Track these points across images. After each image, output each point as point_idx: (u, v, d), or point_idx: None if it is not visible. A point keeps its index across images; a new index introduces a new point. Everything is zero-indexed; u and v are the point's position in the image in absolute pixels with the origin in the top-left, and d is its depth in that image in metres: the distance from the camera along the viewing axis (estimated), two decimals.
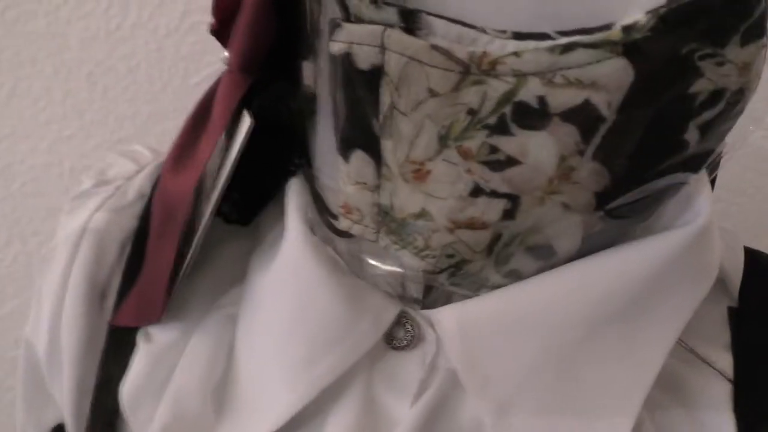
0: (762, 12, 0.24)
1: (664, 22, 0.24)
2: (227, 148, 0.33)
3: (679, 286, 0.29)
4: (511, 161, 0.27)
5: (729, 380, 0.31)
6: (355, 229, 0.31)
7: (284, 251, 0.33)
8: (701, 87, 0.25)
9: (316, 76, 0.30)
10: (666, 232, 0.29)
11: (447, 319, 0.31)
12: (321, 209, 0.33)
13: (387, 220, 0.30)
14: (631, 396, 0.29)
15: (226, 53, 0.31)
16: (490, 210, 0.28)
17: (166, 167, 0.35)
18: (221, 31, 0.31)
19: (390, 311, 0.32)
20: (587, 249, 0.29)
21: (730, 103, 0.26)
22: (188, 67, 0.66)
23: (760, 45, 0.24)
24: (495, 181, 0.28)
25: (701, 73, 0.25)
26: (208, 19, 0.32)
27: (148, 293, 0.33)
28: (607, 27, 0.25)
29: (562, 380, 0.29)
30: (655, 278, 0.29)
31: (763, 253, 0.35)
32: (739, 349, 0.32)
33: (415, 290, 0.33)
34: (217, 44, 0.32)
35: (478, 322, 0.30)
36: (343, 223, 0.32)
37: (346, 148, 0.29)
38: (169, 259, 0.33)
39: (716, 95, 0.25)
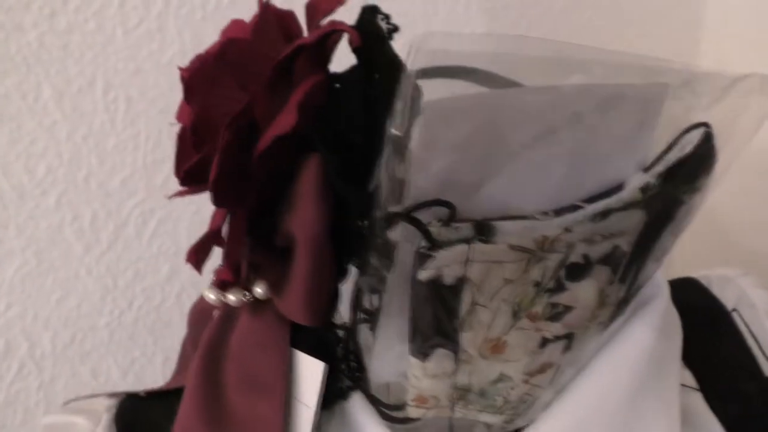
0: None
1: (665, 179, 0.31)
2: None
3: (671, 341, 0.38)
4: (567, 309, 0.32)
5: (697, 389, 0.41)
6: (429, 414, 0.33)
7: None
8: (683, 210, 0.33)
9: (380, 303, 0.31)
10: (643, 313, 0.37)
11: None
12: (374, 404, 0.34)
13: (464, 395, 0.33)
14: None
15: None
16: (555, 352, 0.33)
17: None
18: None
19: None
20: None
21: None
22: None
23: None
24: (556, 328, 0.33)
25: (684, 202, 0.33)
26: None
27: None
28: (618, 188, 0.31)
29: None
30: (660, 340, 0.36)
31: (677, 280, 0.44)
32: (691, 362, 0.41)
33: None
34: None
35: None
36: (415, 413, 0.34)
37: (425, 349, 0.31)
38: None
39: (689, 211, 0.34)
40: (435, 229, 0.29)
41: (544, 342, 0.33)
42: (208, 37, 0.52)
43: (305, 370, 0.31)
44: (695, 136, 0.32)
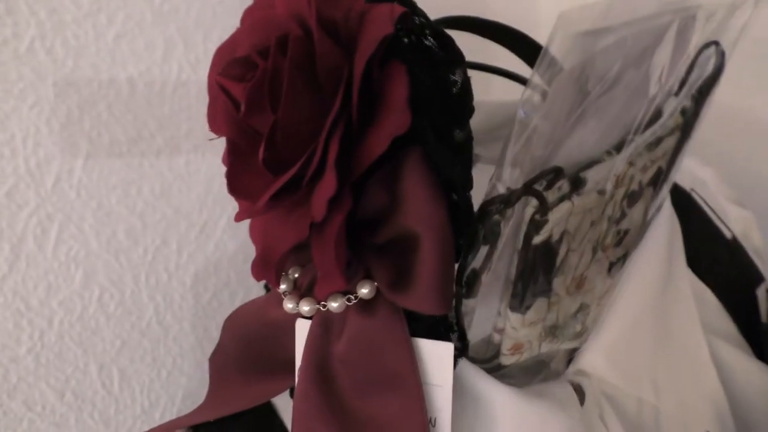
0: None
1: (696, 99, 0.34)
2: None
3: (675, 230, 0.42)
4: (626, 233, 0.36)
5: None
6: (522, 358, 0.36)
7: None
8: (698, 122, 0.37)
9: (479, 273, 0.32)
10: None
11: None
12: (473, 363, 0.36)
13: (552, 331, 0.36)
14: None
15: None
16: (616, 273, 0.37)
17: None
18: None
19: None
20: None
21: None
22: None
23: None
24: (618, 252, 0.36)
25: (700, 115, 0.37)
26: None
27: None
28: (658, 115, 0.34)
29: None
30: (671, 234, 0.41)
31: None
32: None
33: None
34: None
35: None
36: (509, 360, 0.36)
37: (526, 301, 0.33)
38: None
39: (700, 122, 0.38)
40: (548, 194, 0.30)
41: (611, 266, 0.36)
42: (69, 15, 0.46)
43: (430, 354, 0.31)
44: (706, 54, 0.35)
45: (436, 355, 0.31)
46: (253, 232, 0.35)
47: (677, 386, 0.40)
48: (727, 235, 0.47)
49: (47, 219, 0.57)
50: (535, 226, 0.30)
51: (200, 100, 0.63)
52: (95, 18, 0.56)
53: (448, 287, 0.29)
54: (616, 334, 0.39)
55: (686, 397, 0.40)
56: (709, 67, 0.35)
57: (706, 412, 0.40)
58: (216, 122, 0.31)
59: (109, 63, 0.57)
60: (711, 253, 0.46)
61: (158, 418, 0.68)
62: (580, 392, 0.38)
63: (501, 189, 0.30)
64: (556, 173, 0.29)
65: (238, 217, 0.32)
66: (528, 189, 0.29)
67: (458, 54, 0.31)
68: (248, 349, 0.37)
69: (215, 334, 0.70)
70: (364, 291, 0.31)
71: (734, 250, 0.46)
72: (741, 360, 0.43)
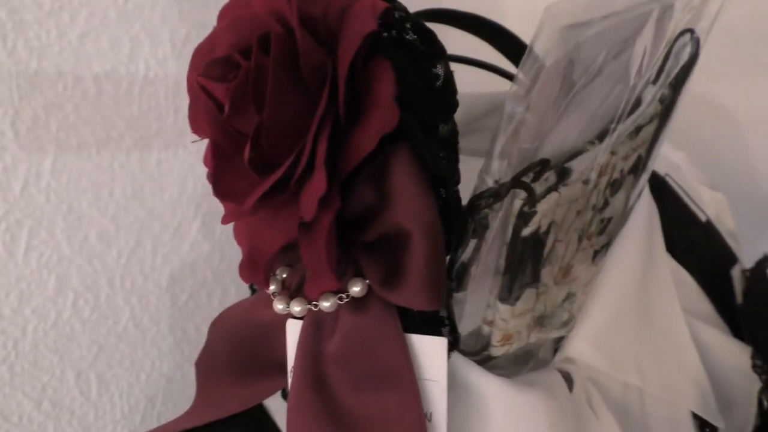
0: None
1: (673, 87, 0.35)
2: None
3: (654, 214, 0.43)
4: (609, 221, 0.36)
5: None
6: (512, 349, 0.36)
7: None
8: (675, 109, 0.37)
9: (468, 267, 0.32)
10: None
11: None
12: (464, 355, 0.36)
13: (540, 321, 0.36)
14: None
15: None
16: (600, 260, 0.37)
17: None
18: None
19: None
20: None
21: None
22: None
23: None
24: (602, 240, 0.36)
25: (677, 102, 0.37)
26: None
27: None
28: (638, 103, 0.35)
29: None
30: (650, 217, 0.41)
31: None
32: None
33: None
34: None
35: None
36: (498, 351, 0.36)
37: (515, 293, 0.33)
38: None
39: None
40: (536, 186, 0.30)
41: (595, 254, 0.36)
42: (30, 14, 0.45)
43: (423, 349, 0.31)
44: (682, 42, 0.36)
45: (429, 350, 0.31)
46: (239, 234, 0.34)
47: (661, 368, 0.40)
48: (702, 218, 0.47)
49: (16, 225, 0.56)
50: (524, 218, 0.30)
51: (169, 99, 0.62)
52: (57, 17, 0.54)
53: (441, 283, 0.29)
54: (600, 321, 0.39)
55: (670, 379, 0.41)
56: (685, 55, 0.35)
57: (690, 392, 0.41)
58: (198, 123, 0.31)
59: (73, 63, 0.56)
60: (687, 236, 0.47)
61: (139, 423, 0.67)
62: (568, 379, 0.38)
63: (490, 182, 0.30)
64: (543, 165, 0.30)
65: (225, 220, 0.31)
66: (517, 182, 0.29)
67: (440, 48, 0.31)
68: (237, 351, 0.37)
69: (194, 336, 0.70)
70: (356, 289, 0.31)
71: (709, 232, 0.47)
72: (719, 340, 0.44)
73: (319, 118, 0.27)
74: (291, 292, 0.33)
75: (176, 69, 0.61)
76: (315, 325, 0.33)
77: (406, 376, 0.31)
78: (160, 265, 0.66)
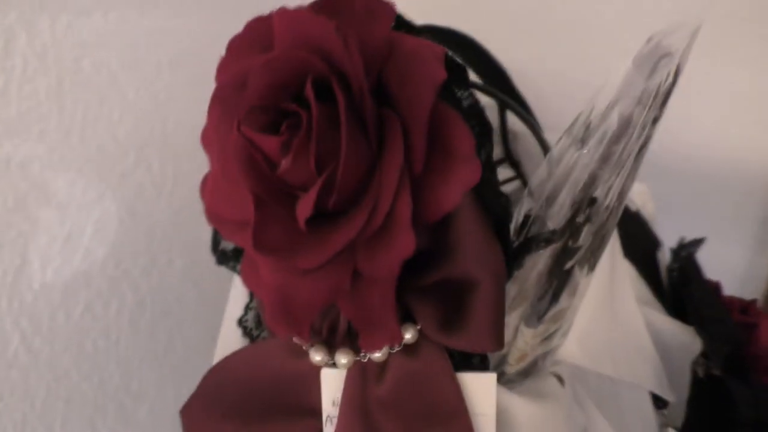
0: None
1: (660, 108, 0.37)
2: None
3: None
4: (607, 233, 0.38)
5: None
6: (523, 365, 0.37)
7: None
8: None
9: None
10: None
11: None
12: None
13: (550, 336, 0.37)
14: None
15: None
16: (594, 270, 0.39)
17: None
18: None
19: None
20: None
21: None
22: None
23: None
24: (601, 250, 0.38)
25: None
26: None
27: None
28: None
29: None
30: None
31: None
32: None
33: None
34: None
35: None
36: (513, 368, 0.37)
37: (544, 318, 0.34)
38: None
39: None
40: (580, 222, 0.31)
41: (590, 268, 0.38)
42: None
43: (473, 385, 0.31)
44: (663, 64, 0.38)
45: (480, 386, 0.32)
46: (253, 278, 0.31)
47: (627, 357, 0.44)
48: (633, 208, 0.51)
49: None
50: (569, 253, 0.31)
51: (51, 97, 0.55)
52: None
53: (503, 325, 0.29)
54: (584, 322, 0.42)
55: (634, 365, 0.44)
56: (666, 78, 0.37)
57: (648, 373, 0.45)
58: (234, 174, 0.28)
59: None
60: (623, 226, 0.50)
61: None
62: (561, 381, 0.40)
63: (550, 225, 0.30)
64: (591, 203, 0.30)
65: (269, 279, 0.29)
66: (572, 225, 0.29)
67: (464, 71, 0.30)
68: (252, 397, 0.34)
69: (91, 351, 0.63)
70: (408, 336, 0.30)
71: (639, 221, 0.51)
72: (662, 320, 0.48)
73: (398, 173, 0.26)
74: (324, 339, 0.32)
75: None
76: (361, 373, 0.31)
77: (461, 415, 0.31)
78: (51, 281, 0.59)
